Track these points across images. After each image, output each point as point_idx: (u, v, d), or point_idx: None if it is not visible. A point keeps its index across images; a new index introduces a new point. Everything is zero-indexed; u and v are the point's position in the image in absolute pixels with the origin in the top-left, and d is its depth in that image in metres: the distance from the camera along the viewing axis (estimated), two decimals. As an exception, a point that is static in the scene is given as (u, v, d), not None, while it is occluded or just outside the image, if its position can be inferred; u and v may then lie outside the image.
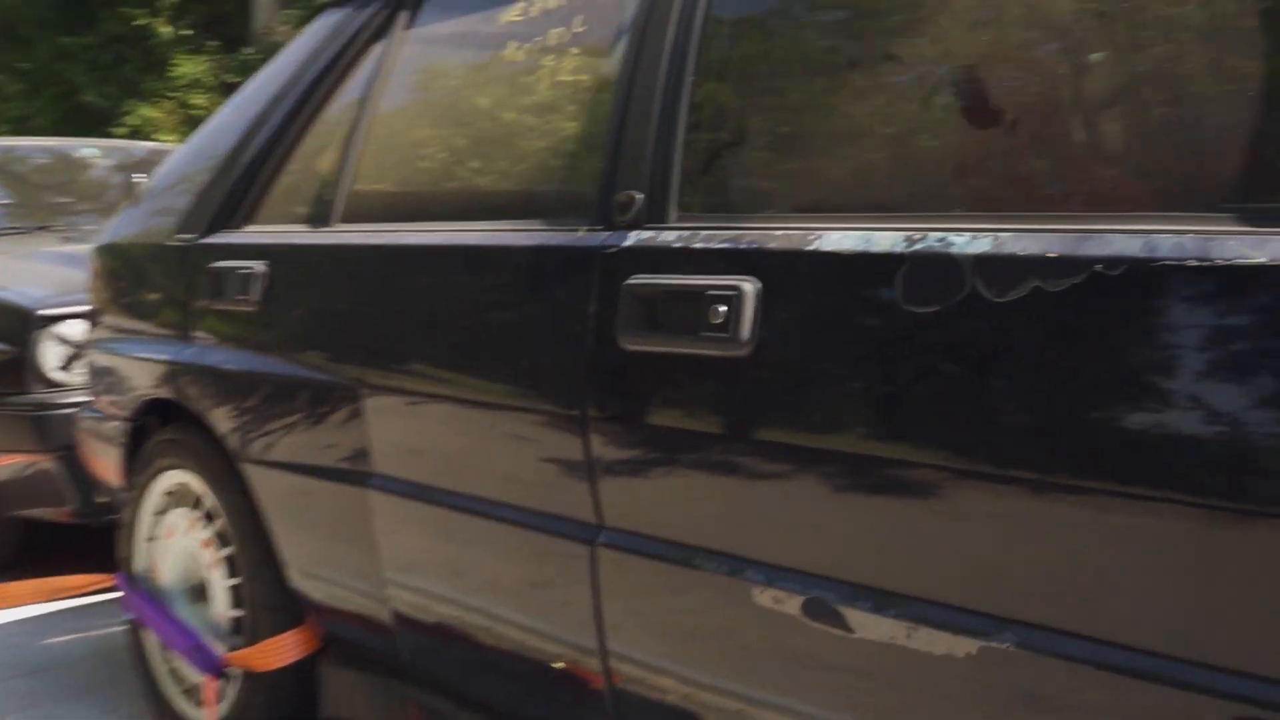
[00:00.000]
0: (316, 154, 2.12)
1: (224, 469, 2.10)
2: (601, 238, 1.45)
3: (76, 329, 3.15)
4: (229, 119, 2.32)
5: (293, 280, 1.95)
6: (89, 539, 3.41)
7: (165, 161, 2.54)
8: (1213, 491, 0.92)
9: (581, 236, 1.48)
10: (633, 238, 1.41)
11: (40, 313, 3.12)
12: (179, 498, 2.28)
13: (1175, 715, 0.95)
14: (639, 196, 1.43)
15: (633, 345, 1.36)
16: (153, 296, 2.35)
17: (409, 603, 1.77)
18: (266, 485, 1.99)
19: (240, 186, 2.18)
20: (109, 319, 2.51)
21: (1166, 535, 0.95)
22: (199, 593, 2.24)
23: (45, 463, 3.12)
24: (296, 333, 1.92)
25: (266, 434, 1.96)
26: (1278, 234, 0.92)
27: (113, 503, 3.08)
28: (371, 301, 1.77)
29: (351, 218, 1.95)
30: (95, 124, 9.79)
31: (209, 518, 2.18)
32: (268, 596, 2.03)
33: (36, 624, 3.00)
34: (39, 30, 11.14)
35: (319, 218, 2.00)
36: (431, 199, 1.87)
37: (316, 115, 2.11)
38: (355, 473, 1.80)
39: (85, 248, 3.98)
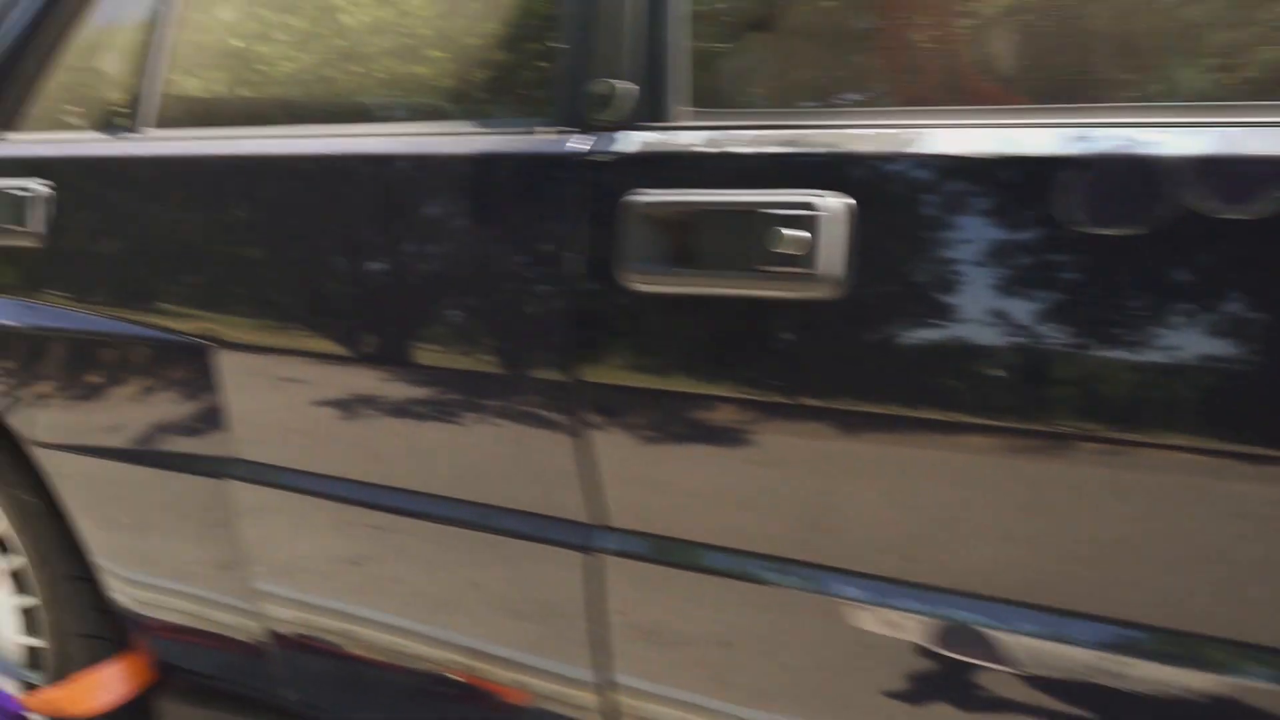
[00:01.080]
0: (106, 35, 1.60)
1: (2, 455, 1.60)
2: (573, 142, 1.08)
3: None
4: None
5: (94, 204, 1.46)
6: None
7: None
8: None
9: (542, 141, 1.10)
10: (628, 140, 1.05)
11: None
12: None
13: None
14: (625, 86, 1.07)
15: (646, 284, 1.01)
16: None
17: (292, 620, 1.37)
18: (72, 476, 1.51)
19: (-6, 82, 1.64)
20: None
21: None
22: (-29, 614, 1.74)
23: None
24: (105, 275, 1.44)
25: (67, 410, 1.48)
26: None
27: None
28: (225, 229, 1.32)
29: (171, 120, 1.47)
30: None
31: (-18, 518, 1.67)
32: (77, 620, 1.56)
33: None
34: None
35: (120, 121, 1.51)
36: (294, 94, 1.42)
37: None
38: (208, 458, 1.37)
39: None
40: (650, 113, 1.07)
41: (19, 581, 1.63)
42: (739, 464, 0.99)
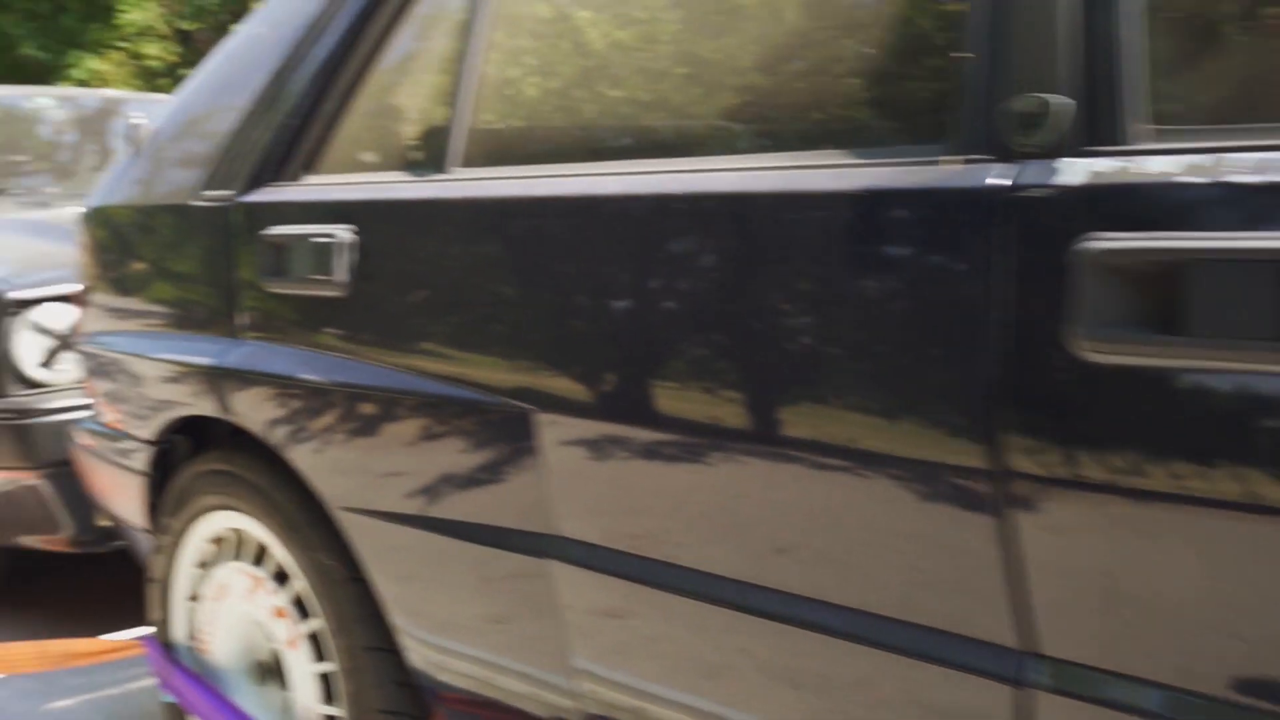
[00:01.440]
0: (407, 72, 1.51)
1: (303, 515, 1.52)
2: (994, 174, 0.87)
3: (58, 315, 2.53)
4: (259, 44, 1.70)
5: (401, 250, 1.36)
6: (91, 563, 2.84)
7: (170, 104, 1.91)
8: None
9: (949, 173, 0.90)
10: (1071, 170, 0.84)
11: (11, 296, 2.49)
12: (232, 547, 1.70)
13: None
14: (1060, 102, 0.86)
15: (1108, 354, 0.79)
16: (174, 275, 1.75)
17: (621, 705, 1.21)
18: (375, 542, 1.41)
19: (290, 127, 1.57)
20: (108, 302, 1.90)
21: None
22: (269, 672, 1.68)
23: (30, 480, 2.51)
24: (413, 327, 1.33)
25: (371, 473, 1.38)
26: None
27: (119, 530, 2.52)
28: (547, 278, 1.18)
29: (482, 158, 1.35)
30: (36, 79, 8.97)
31: (280, 577, 1.60)
32: (377, 693, 1.46)
33: (38, 685, 2.41)
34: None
35: (426, 161, 1.41)
36: (624, 125, 1.27)
37: (396, 25, 1.51)
38: (527, 534, 1.23)
39: (54, 214, 3.35)
40: (1095, 134, 0.85)
41: (318, 646, 1.55)
42: (1239, 586, 0.76)
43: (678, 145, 1.16)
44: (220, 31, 8.51)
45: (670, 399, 1.07)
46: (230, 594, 1.69)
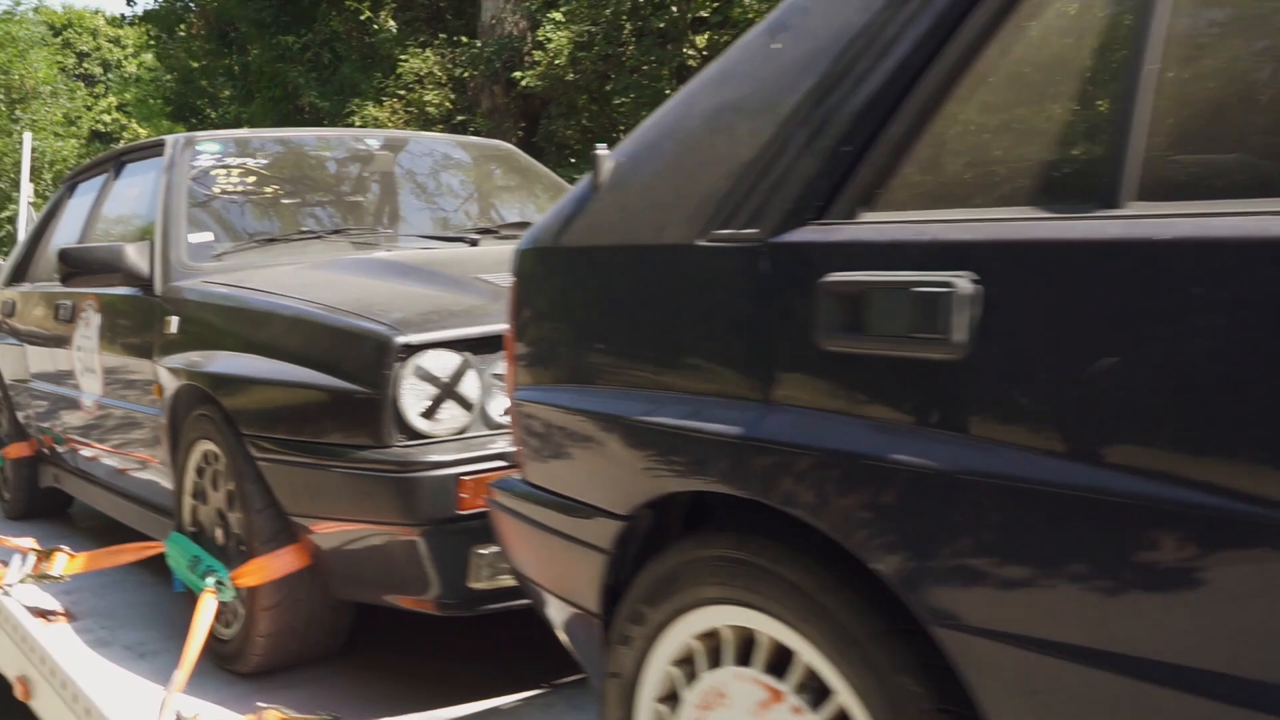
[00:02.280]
0: (1023, 89, 1.24)
1: (865, 624, 1.24)
2: None
3: (444, 363, 2.39)
4: (778, 62, 1.47)
5: (1060, 305, 1.06)
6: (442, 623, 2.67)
7: (640, 136, 1.70)
8: None
9: None
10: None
11: (402, 341, 2.36)
12: (734, 648, 1.44)
13: None
14: None
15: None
16: (664, 327, 1.52)
17: None
18: (1007, 674, 1.11)
19: (843, 156, 1.32)
20: (555, 354, 1.70)
21: None
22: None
23: (407, 537, 2.35)
24: (1080, 403, 1.03)
25: (1016, 587, 1.08)
26: None
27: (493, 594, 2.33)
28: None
29: (1172, 188, 1.05)
30: (316, 126, 9.34)
31: (808, 690, 1.32)
32: None
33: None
34: (255, 31, 10.80)
35: (1078, 192, 1.12)
36: None
37: (1005, 26, 1.23)
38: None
39: (407, 255, 3.27)
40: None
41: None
42: None
43: None
44: (493, 79, 8.65)
45: None
46: (729, 704, 1.43)
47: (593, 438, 1.60)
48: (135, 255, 3.32)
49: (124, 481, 3.56)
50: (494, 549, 2.27)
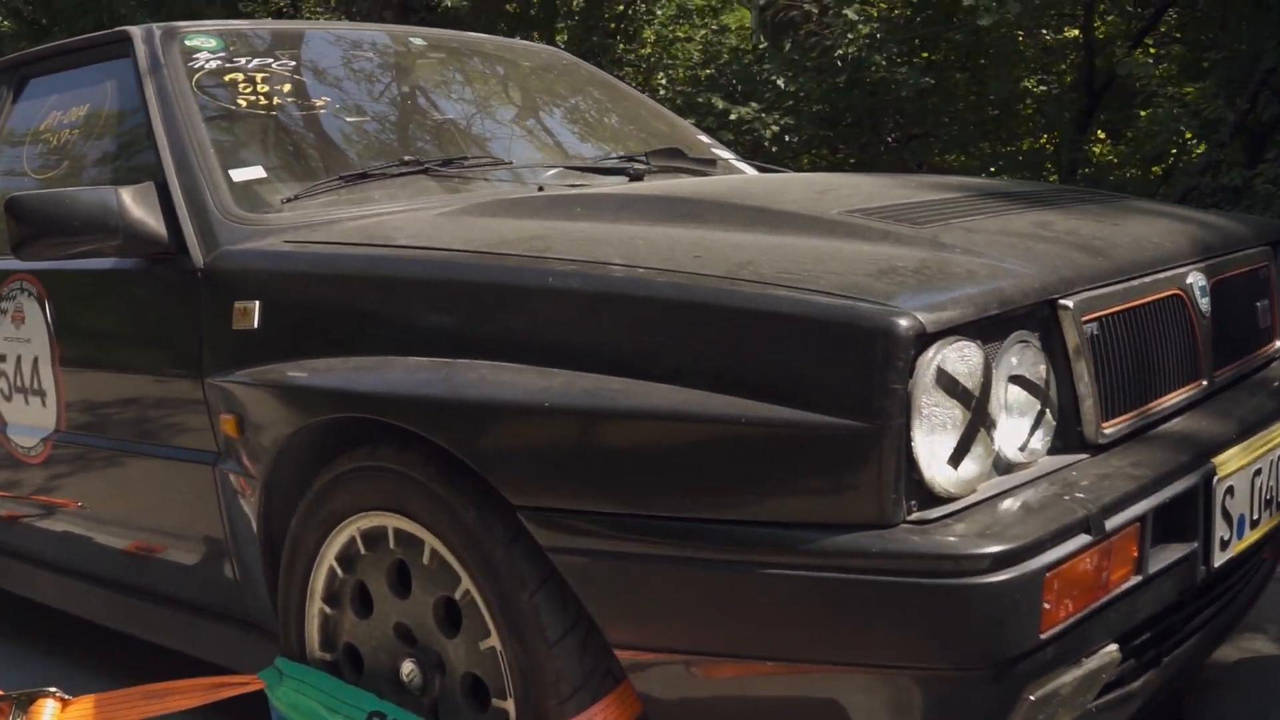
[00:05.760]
0: None
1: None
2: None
3: (970, 363, 1.28)
4: None
5: None
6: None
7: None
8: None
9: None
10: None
11: (913, 325, 1.24)
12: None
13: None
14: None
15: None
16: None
17: None
18: None
19: None
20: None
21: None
22: None
23: (923, 685, 1.24)
24: None
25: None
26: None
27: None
28: None
29: None
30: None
31: None
32: None
33: None
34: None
35: None
36: None
37: None
38: None
39: (687, 187, 2.07)
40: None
41: None
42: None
43: None
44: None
45: None
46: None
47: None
48: (142, 206, 2.03)
49: (108, 562, 2.23)
50: (1060, 683, 1.26)
